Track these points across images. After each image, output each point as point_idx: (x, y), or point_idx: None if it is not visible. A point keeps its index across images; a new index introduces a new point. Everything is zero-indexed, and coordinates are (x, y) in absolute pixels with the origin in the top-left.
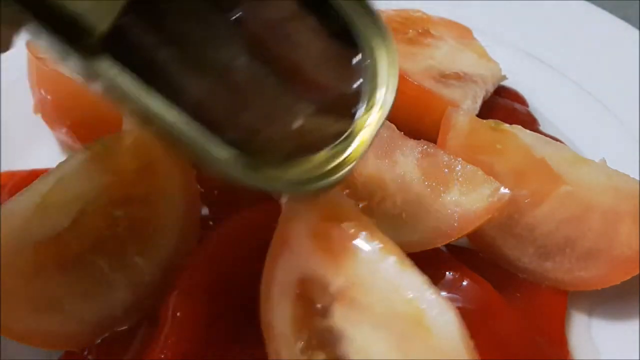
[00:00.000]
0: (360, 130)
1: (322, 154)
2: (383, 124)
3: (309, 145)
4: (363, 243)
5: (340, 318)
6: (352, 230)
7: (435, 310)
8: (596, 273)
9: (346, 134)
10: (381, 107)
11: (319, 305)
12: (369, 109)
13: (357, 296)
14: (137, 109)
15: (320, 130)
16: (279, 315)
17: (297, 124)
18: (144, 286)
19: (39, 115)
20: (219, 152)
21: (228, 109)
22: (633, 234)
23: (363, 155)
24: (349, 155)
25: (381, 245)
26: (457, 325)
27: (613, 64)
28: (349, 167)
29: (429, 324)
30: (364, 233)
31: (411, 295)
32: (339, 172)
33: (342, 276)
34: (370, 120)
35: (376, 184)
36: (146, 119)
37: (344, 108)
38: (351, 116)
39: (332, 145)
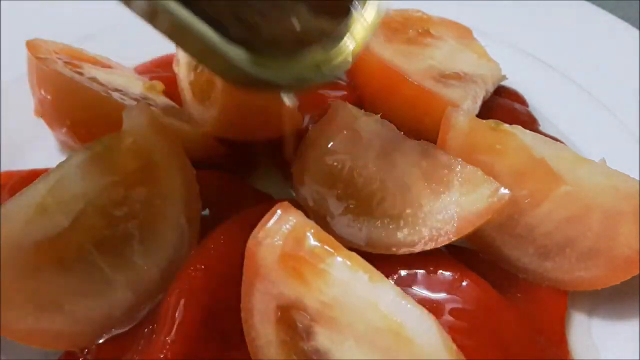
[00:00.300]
0: (356, 29)
1: (321, 52)
2: (379, 23)
3: (309, 43)
4: (331, 263)
5: (324, 339)
6: (318, 251)
7: (413, 321)
8: (596, 273)
9: (343, 33)
10: (376, 8)
11: (301, 327)
12: (364, 10)
13: (336, 316)
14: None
15: (318, 29)
16: (265, 342)
17: (296, 22)
18: (144, 286)
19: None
20: (228, 48)
21: (230, 10)
22: (633, 234)
23: (359, 52)
24: (347, 51)
25: (349, 263)
26: (437, 331)
27: (613, 64)
28: (347, 62)
29: (410, 334)
30: (329, 252)
31: (386, 310)
32: (339, 67)
33: (317, 299)
34: (366, 20)
35: (376, 184)
36: (156, 13)
37: (340, 8)
38: (347, 16)
39: (330, 43)
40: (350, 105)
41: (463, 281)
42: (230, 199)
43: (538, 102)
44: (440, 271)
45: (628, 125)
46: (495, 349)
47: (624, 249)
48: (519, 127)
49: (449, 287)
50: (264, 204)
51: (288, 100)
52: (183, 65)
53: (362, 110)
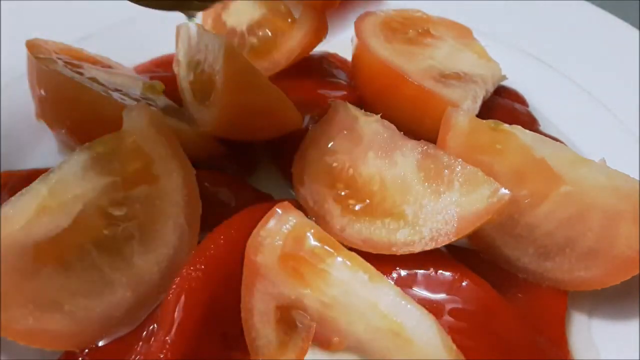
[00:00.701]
0: None
1: None
2: None
3: None
4: (331, 263)
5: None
6: (318, 251)
7: (413, 321)
8: (596, 273)
9: None
10: None
11: (301, 327)
12: None
13: (336, 316)
14: None
15: None
16: (265, 342)
17: None
18: (144, 286)
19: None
20: None
21: None
22: (633, 234)
23: None
24: None
25: (349, 263)
26: (437, 331)
27: (613, 64)
28: None
29: (409, 334)
30: (329, 252)
31: (386, 310)
32: None
33: (317, 299)
34: None
35: (376, 184)
36: None
37: None
38: None
39: None
40: (350, 105)
41: (463, 281)
42: (230, 199)
43: (538, 102)
44: (440, 271)
45: (628, 125)
46: (495, 349)
47: (624, 249)
48: (519, 127)
49: (449, 287)
50: (264, 204)
51: (190, 20)
52: (183, 65)
53: (362, 110)
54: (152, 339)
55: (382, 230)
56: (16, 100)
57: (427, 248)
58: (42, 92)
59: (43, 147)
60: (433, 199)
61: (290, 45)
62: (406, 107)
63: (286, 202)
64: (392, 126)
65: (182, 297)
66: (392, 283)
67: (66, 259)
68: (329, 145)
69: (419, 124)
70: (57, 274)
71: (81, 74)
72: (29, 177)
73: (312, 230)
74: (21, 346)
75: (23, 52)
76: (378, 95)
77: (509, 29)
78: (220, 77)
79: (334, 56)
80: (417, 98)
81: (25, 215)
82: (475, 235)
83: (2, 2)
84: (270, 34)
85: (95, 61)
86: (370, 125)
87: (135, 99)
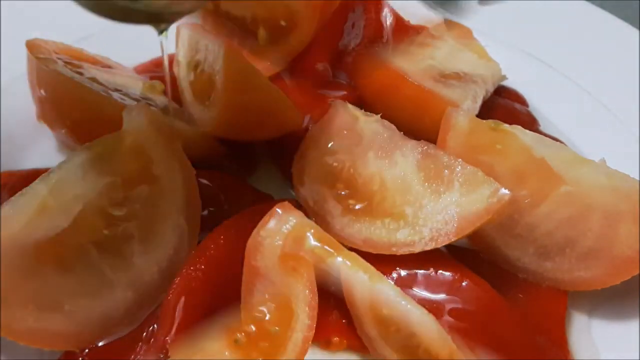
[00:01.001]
0: None
1: None
2: None
3: None
4: (330, 263)
5: None
6: (318, 251)
7: (413, 321)
8: (596, 273)
9: None
10: None
11: (301, 326)
12: None
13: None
14: None
15: None
16: (264, 342)
17: None
18: (144, 286)
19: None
20: None
21: None
22: (633, 234)
23: None
24: None
25: (349, 263)
26: (437, 331)
27: (613, 64)
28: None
29: (409, 334)
30: (329, 252)
31: (386, 312)
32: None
33: (316, 299)
34: None
35: (376, 184)
36: None
37: None
38: None
39: None
40: (350, 105)
41: (463, 281)
42: (230, 199)
43: (538, 102)
44: (440, 271)
45: (628, 125)
46: (495, 349)
47: (624, 249)
48: (519, 127)
49: (449, 287)
50: (264, 204)
51: (160, 35)
52: (183, 65)
53: (362, 110)
54: (152, 339)
55: (382, 230)
56: (16, 101)
57: (427, 248)
58: (42, 92)
59: (43, 147)
60: (433, 199)
61: (290, 45)
62: (406, 107)
63: (286, 202)
64: (392, 126)
65: (182, 297)
66: (392, 283)
67: (66, 259)
68: (329, 145)
69: (419, 124)
70: (57, 274)
71: (81, 74)
72: (29, 177)
73: (312, 230)
74: (21, 346)
75: (23, 52)
76: (378, 95)
77: (509, 29)
78: (220, 77)
79: None
80: (417, 98)
81: (25, 215)
82: (475, 235)
83: (2, 2)
84: (270, 34)
85: (95, 61)
86: (370, 125)
87: (135, 99)
